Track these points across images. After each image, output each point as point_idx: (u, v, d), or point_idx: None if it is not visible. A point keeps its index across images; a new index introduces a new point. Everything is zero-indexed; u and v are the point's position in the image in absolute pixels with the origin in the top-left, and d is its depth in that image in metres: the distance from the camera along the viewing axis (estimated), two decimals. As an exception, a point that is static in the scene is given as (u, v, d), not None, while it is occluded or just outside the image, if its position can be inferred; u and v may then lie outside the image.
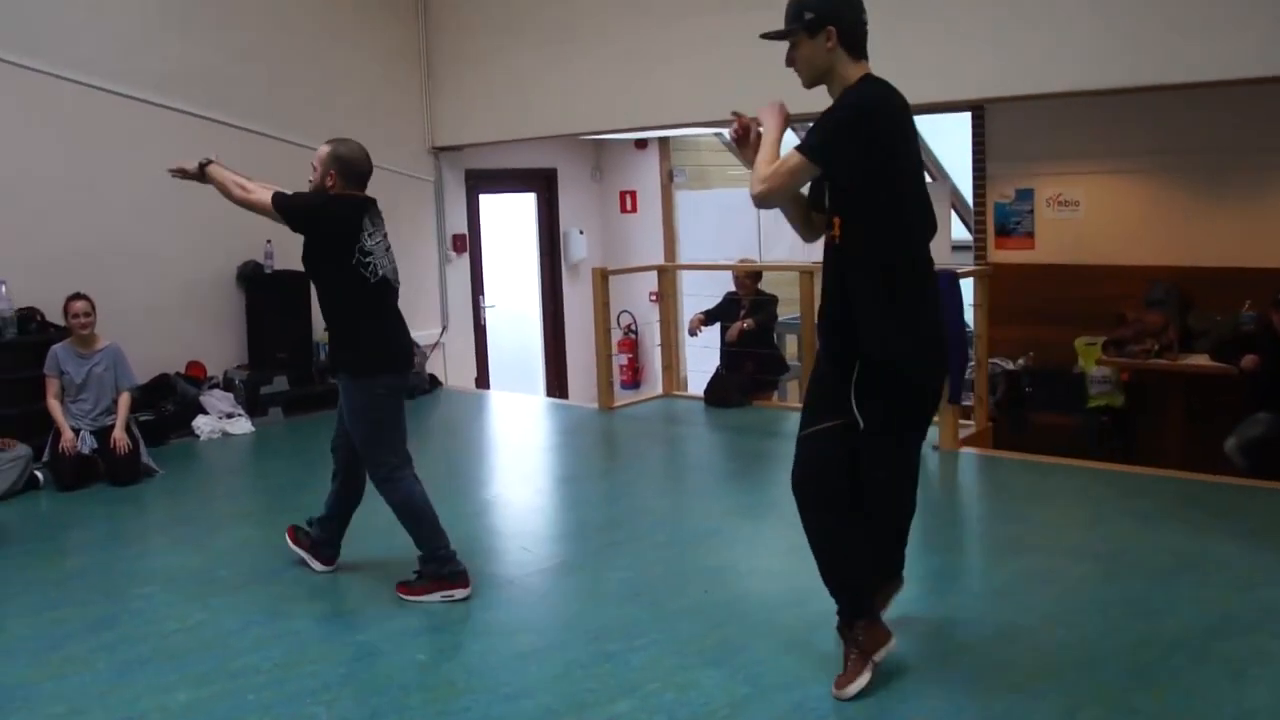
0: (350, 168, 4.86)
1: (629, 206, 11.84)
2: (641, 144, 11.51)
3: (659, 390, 9.55)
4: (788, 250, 10.43)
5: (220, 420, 8.61)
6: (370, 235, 4.82)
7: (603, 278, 8.79)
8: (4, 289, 7.63)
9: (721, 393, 8.76)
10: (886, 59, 7.64)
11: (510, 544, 5.83)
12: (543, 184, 11.74)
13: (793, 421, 8.26)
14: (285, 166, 9.26)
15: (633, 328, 11.85)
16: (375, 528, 5.66)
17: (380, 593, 4.99)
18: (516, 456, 8.07)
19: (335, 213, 4.78)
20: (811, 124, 3.50)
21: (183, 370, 8.82)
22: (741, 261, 9.23)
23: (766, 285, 9.06)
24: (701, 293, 9.96)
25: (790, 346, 9.49)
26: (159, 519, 6.65)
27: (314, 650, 4.36)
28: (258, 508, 6.83)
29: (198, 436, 8.44)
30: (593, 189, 12.05)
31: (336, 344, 4.96)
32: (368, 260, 4.78)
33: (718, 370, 9.04)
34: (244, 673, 4.19)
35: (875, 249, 3.47)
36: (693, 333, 9.20)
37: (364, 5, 9.97)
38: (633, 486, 6.88)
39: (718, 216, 11.14)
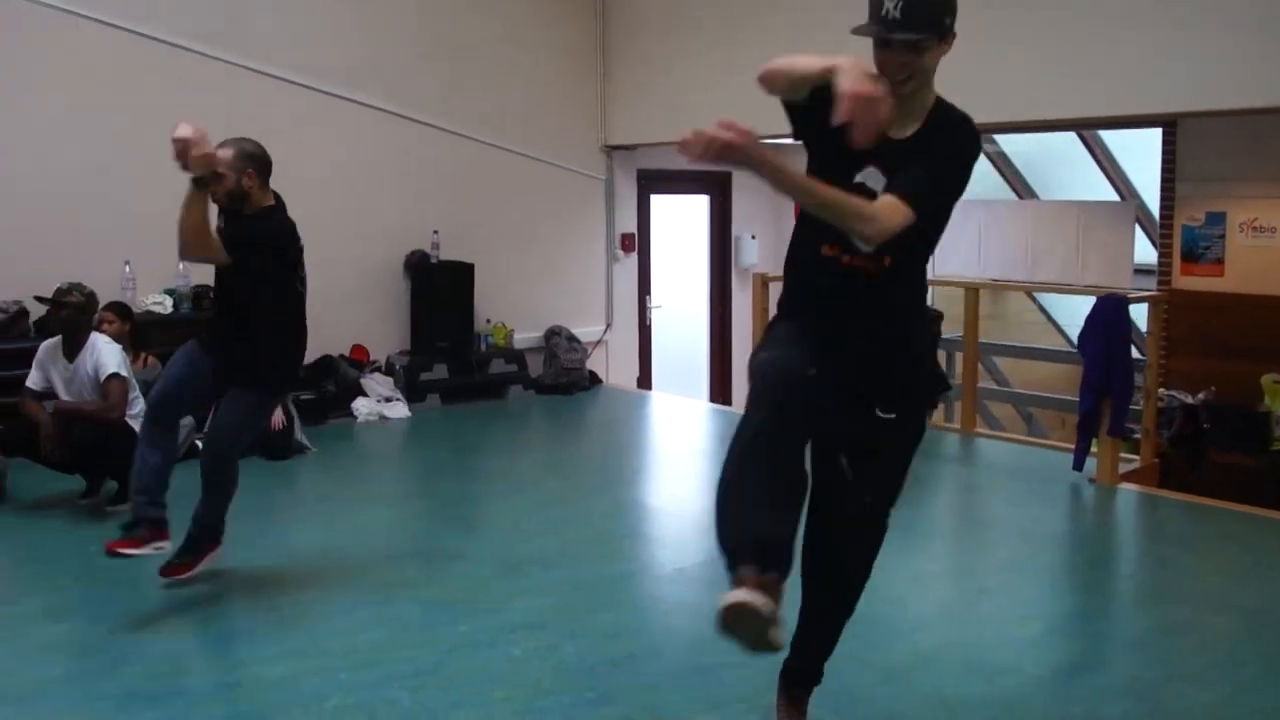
0: (266, 166, 4.77)
1: (803, 213, 11.64)
2: (818, 149, 11.30)
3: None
4: (960, 264, 10.10)
5: (379, 404, 8.81)
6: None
7: (763, 284, 8.65)
8: (182, 266, 7.95)
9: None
10: (1069, 68, 7.43)
11: (637, 547, 5.75)
12: (716, 187, 11.64)
13: (953, 442, 8.15)
14: (457, 161, 9.50)
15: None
16: (501, 526, 5.70)
17: (491, 586, 4.98)
18: (662, 458, 8.02)
19: (294, 231, 4.85)
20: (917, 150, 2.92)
21: (347, 353, 9.05)
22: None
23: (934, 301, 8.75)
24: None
25: (957, 365, 9.14)
26: (300, 495, 6.83)
27: (414, 636, 4.38)
28: (396, 491, 6.96)
29: (355, 418, 8.66)
30: (766, 194, 11.84)
31: (265, 356, 4.77)
32: (303, 275, 4.93)
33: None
34: (342, 652, 4.24)
35: (921, 277, 3.26)
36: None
37: (543, 3, 10.06)
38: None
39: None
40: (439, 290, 9.32)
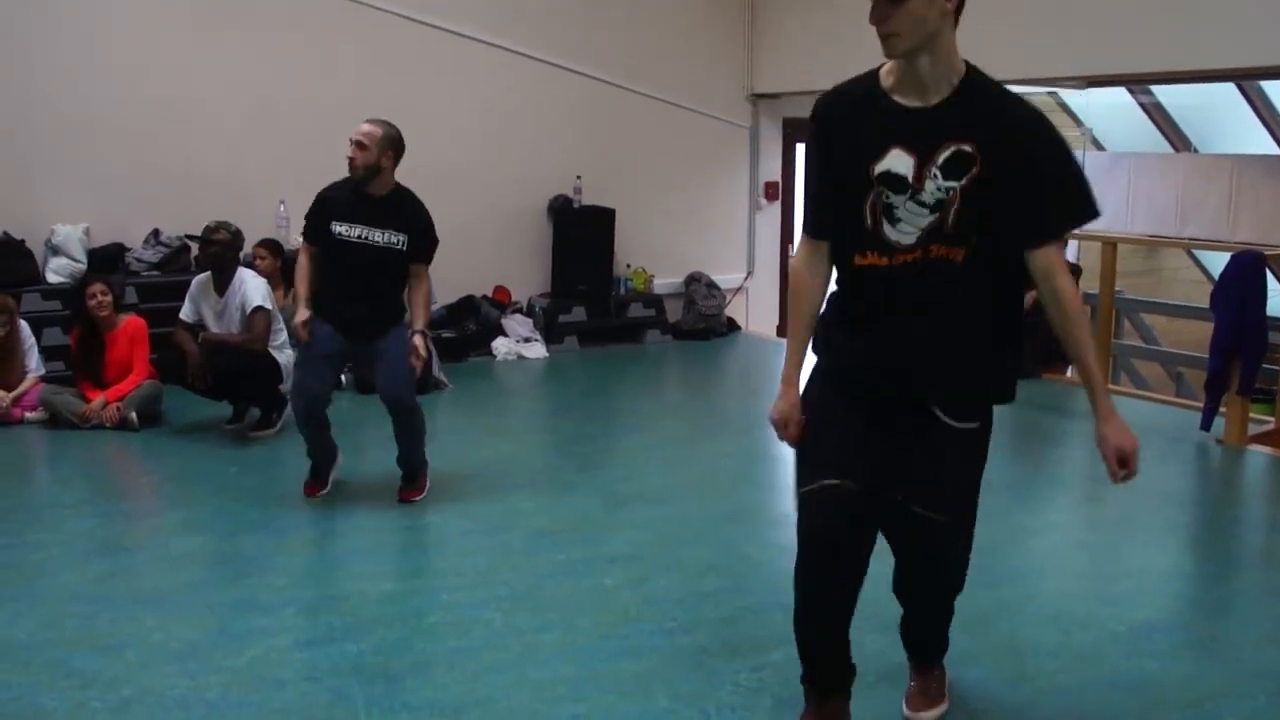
0: (402, 152, 5.18)
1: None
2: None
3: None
4: (1108, 219, 9.83)
5: (518, 344, 9.10)
6: None
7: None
8: (283, 207, 8.28)
9: (1011, 361, 8.39)
10: (1226, 14, 7.14)
11: (745, 489, 5.88)
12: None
13: (1083, 399, 7.89)
14: (601, 107, 9.67)
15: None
16: (616, 463, 5.88)
17: (596, 519, 5.19)
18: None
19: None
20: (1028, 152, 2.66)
21: (489, 294, 9.36)
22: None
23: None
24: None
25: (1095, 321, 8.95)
26: (432, 428, 7.10)
27: (516, 561, 4.63)
28: (523, 427, 7.26)
29: (494, 357, 8.97)
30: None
31: (395, 306, 5.33)
32: None
33: (1010, 338, 8.64)
34: (446, 573, 4.54)
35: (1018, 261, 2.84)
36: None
37: (692, -50, 10.10)
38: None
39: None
40: (580, 235, 9.54)
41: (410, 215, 5.16)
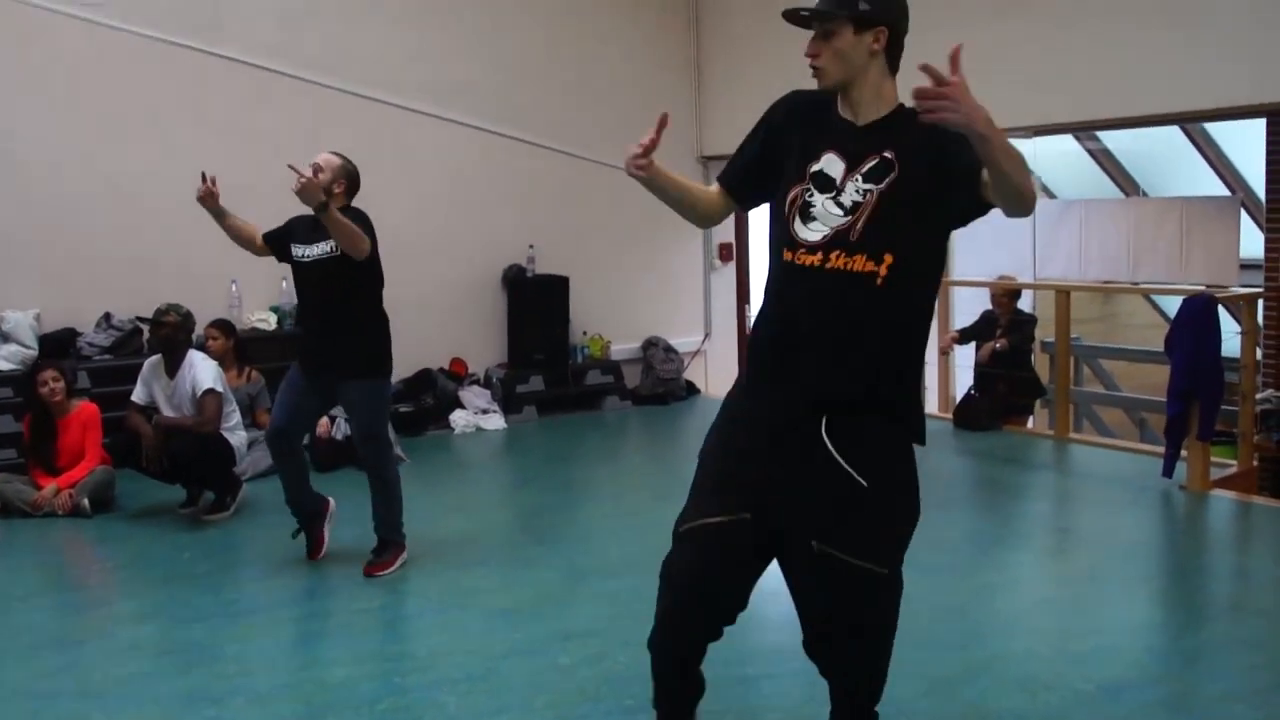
0: (356, 184, 5.37)
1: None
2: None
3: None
4: (1061, 266, 9.91)
5: (476, 415, 9.03)
6: None
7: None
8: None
9: (971, 415, 8.41)
10: (1169, 61, 7.26)
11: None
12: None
13: (1045, 449, 8.02)
14: (550, 175, 9.68)
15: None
16: (575, 536, 5.80)
17: (554, 594, 5.11)
18: None
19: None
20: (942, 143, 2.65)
21: (446, 366, 9.30)
22: (1001, 278, 8.80)
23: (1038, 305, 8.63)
24: (974, 309, 9.54)
25: (1044, 369, 8.99)
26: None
27: (471, 643, 4.52)
28: (479, 501, 7.13)
29: (453, 430, 8.89)
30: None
31: (364, 344, 5.29)
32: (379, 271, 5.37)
33: (969, 392, 8.68)
34: (400, 656, 4.43)
35: (926, 296, 2.93)
36: (944, 351, 8.90)
37: (636, 15, 10.17)
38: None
39: (993, 230, 10.62)
40: (536, 303, 9.52)
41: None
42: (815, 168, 2.87)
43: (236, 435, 6.63)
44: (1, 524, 6.52)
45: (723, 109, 10.33)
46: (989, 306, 8.72)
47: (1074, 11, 7.64)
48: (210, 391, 6.41)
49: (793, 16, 2.86)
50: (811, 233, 2.84)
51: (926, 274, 2.87)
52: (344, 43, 8.79)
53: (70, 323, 7.88)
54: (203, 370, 6.48)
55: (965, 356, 8.91)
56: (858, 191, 2.80)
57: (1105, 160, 11.00)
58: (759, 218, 11.19)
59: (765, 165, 3.03)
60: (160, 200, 8.08)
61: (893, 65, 2.87)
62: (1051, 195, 11.46)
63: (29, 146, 7.75)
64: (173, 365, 6.49)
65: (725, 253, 10.92)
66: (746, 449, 2.92)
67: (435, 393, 8.96)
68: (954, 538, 5.82)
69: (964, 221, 2.82)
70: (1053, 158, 10.91)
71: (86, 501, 6.60)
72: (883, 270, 2.76)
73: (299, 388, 5.32)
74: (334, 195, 5.11)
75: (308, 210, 5.01)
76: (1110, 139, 10.72)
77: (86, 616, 5.09)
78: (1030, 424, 8.79)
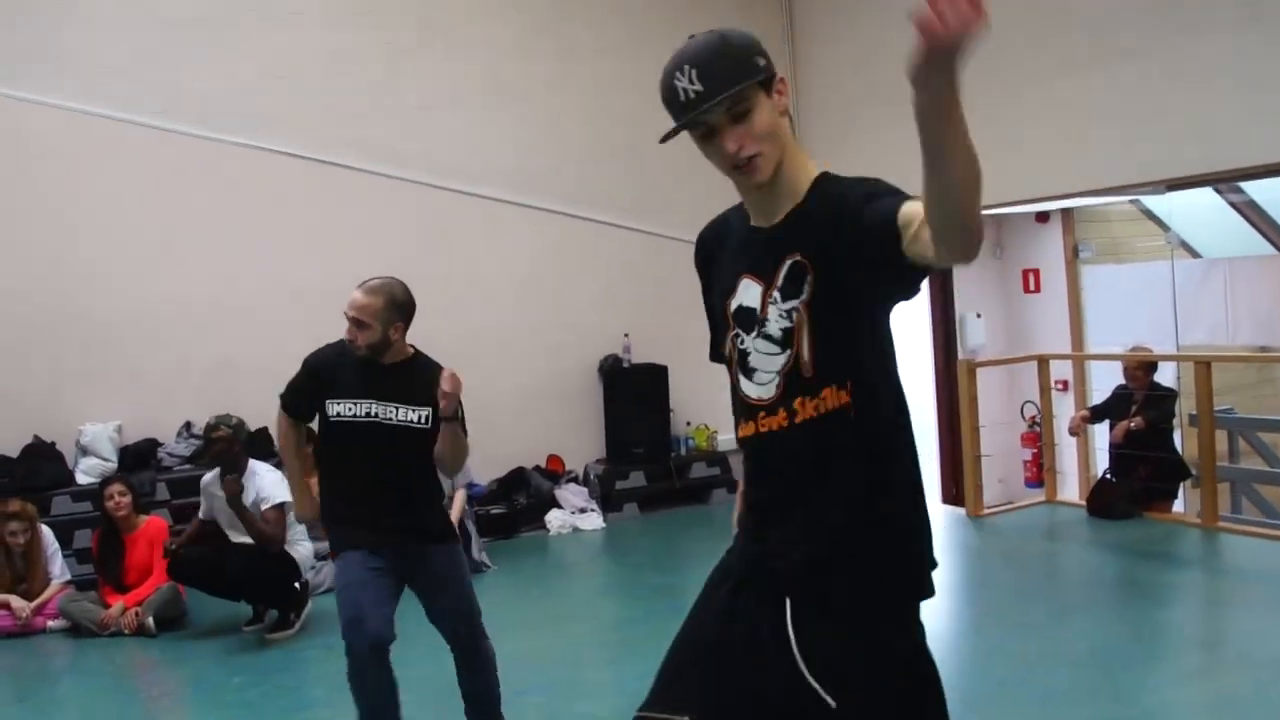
0: (411, 315, 4.12)
1: (1032, 286, 10.77)
2: (1043, 217, 10.46)
3: (1045, 495, 8.46)
4: (1207, 333, 9.05)
5: (573, 515, 8.60)
6: None
7: (969, 372, 7.99)
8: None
9: (1106, 502, 7.59)
10: (1212, 120, 6.55)
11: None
12: (935, 264, 10.94)
13: (1192, 540, 7.13)
14: (643, 259, 9.29)
15: (1037, 420, 10.72)
16: (652, 655, 5.29)
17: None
18: None
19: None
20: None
21: (543, 464, 8.91)
22: (1134, 348, 8.00)
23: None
24: (1115, 383, 8.73)
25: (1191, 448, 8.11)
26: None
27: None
28: (557, 613, 6.60)
29: (548, 531, 8.46)
30: (993, 268, 11.07)
31: (431, 507, 4.18)
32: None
33: (1103, 475, 7.87)
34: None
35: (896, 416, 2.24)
36: (1073, 432, 8.14)
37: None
38: (968, 620, 6.01)
39: (1129, 294, 9.87)
40: (634, 394, 9.07)
41: (431, 385, 3.93)
42: (734, 303, 2.26)
43: (301, 547, 6.33)
44: (71, 644, 6.40)
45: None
46: (1122, 381, 7.94)
47: (1206, 51, 6.94)
48: (275, 506, 6.12)
49: (704, 129, 2.14)
50: (761, 387, 2.22)
51: (887, 380, 2.21)
52: (425, 134, 8.60)
53: (152, 433, 7.77)
54: (267, 482, 6.21)
55: (1107, 437, 8.11)
56: (782, 314, 2.16)
57: (1250, 212, 10.09)
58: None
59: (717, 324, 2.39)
60: (240, 305, 7.97)
61: (787, 118, 2.22)
62: (1194, 254, 10.58)
63: (108, 257, 7.71)
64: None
65: (839, 332, 10.32)
66: (709, 637, 2.32)
67: (529, 492, 8.57)
68: (1078, 653, 5.07)
69: (889, 299, 2.13)
70: (1191, 213, 10.09)
71: (151, 620, 6.40)
72: (845, 398, 2.15)
73: (370, 568, 3.96)
74: (391, 343, 4.02)
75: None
76: (1255, 189, 9.83)
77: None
78: (1182, 507, 7.92)
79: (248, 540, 6.15)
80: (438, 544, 4.11)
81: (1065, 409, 8.99)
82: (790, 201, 2.19)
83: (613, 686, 5.10)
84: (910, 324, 10.99)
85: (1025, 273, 10.83)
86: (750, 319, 2.22)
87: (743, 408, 2.26)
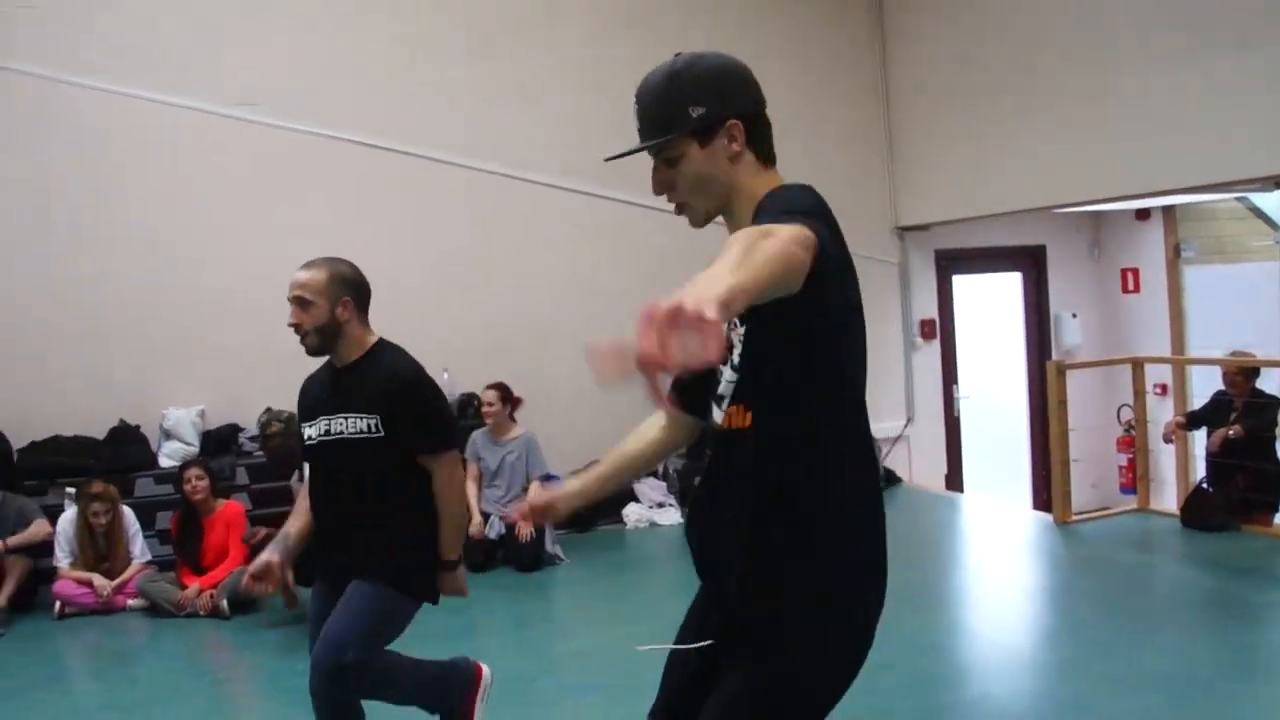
0: (365, 295, 3.67)
1: (1130, 286, 10.41)
2: (1143, 214, 10.10)
3: (1136, 504, 8.16)
4: (1313, 345, 8.64)
5: (650, 510, 8.51)
6: None
7: (1059, 373, 7.72)
8: (446, 376, 8.03)
9: (1202, 513, 7.27)
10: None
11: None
12: (1030, 262, 10.66)
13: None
14: (717, 246, 9.14)
15: (1133, 424, 10.36)
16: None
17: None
18: (921, 571, 6.95)
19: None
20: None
21: (621, 456, 8.83)
22: (1234, 353, 7.67)
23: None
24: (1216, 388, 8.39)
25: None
26: (530, 611, 6.62)
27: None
28: (624, 611, 6.49)
29: (625, 525, 8.39)
30: (1089, 267, 10.74)
31: (382, 536, 3.52)
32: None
33: (1199, 485, 7.56)
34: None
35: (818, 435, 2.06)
36: (1167, 439, 7.84)
37: (826, 86, 9.59)
38: (1045, 631, 5.81)
39: (1233, 296, 9.48)
40: (715, 388, 8.94)
41: (384, 383, 3.51)
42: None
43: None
44: (148, 623, 6.53)
45: (919, 175, 9.63)
46: (1222, 387, 7.62)
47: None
48: None
49: (616, 158, 2.19)
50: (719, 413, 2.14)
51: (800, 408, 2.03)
52: (506, 126, 8.61)
53: (234, 419, 7.85)
54: None
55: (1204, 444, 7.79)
56: (738, 340, 2.07)
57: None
58: (964, 289, 10.39)
59: None
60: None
61: (764, 153, 2.13)
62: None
63: (192, 244, 7.82)
64: (288, 475, 6.24)
65: (927, 330, 10.10)
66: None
67: (606, 485, 8.49)
68: (1161, 675, 4.78)
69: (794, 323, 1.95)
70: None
71: (225, 603, 6.48)
72: (746, 420, 2.05)
73: (319, 605, 3.64)
74: (341, 325, 3.55)
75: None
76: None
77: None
78: (1275, 523, 7.56)
79: None
80: (360, 578, 3.48)
81: (1163, 414, 8.67)
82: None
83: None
84: (1003, 322, 10.74)
85: (1124, 272, 10.48)
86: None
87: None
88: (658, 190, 2.14)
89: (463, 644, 5.47)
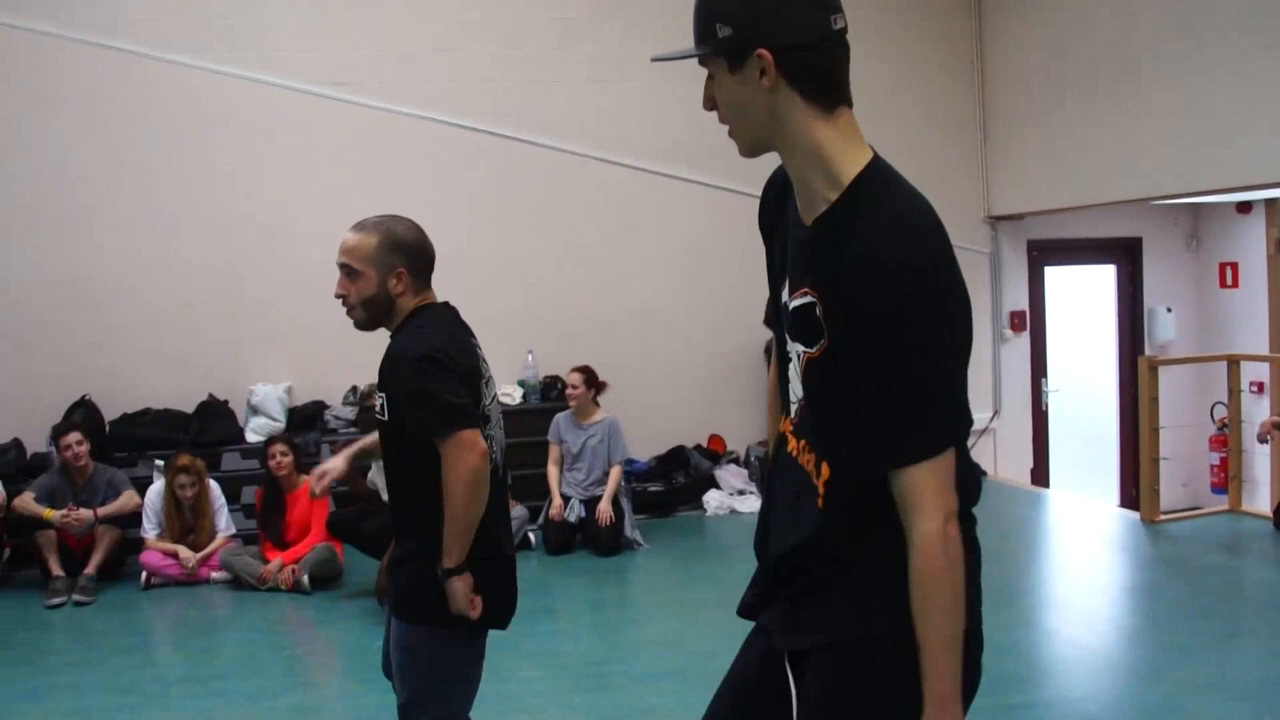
0: (423, 256, 3.10)
1: (1229, 281, 10.12)
2: (1244, 207, 9.79)
3: (1228, 504, 7.94)
4: None
5: (731, 497, 8.47)
6: (488, 379, 3.11)
7: (1150, 369, 7.54)
8: (531, 358, 8.08)
9: (1295, 515, 7.09)
10: None
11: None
12: (1124, 254, 10.39)
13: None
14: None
15: (1227, 423, 10.08)
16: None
17: None
18: (1003, 567, 6.67)
19: (455, 373, 2.93)
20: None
21: (704, 443, 8.81)
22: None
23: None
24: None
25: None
26: (608, 595, 6.61)
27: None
28: (702, 597, 6.41)
29: (705, 511, 8.36)
30: (1186, 260, 10.45)
31: (409, 520, 2.99)
32: (486, 431, 2.95)
33: (1295, 486, 7.36)
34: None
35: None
36: (1261, 439, 7.61)
37: (920, 72, 9.44)
38: (1125, 633, 5.67)
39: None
40: (798, 377, 8.88)
41: (388, 358, 2.99)
42: (784, 296, 1.94)
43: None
44: (231, 595, 6.64)
45: (1013, 164, 9.44)
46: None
47: None
48: None
49: (662, 59, 2.02)
50: (793, 395, 1.97)
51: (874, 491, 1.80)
52: (593, 108, 8.59)
53: (320, 396, 7.97)
54: None
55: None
56: (792, 352, 1.91)
57: None
58: (1056, 281, 10.18)
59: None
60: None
61: (817, 96, 1.81)
62: None
63: (282, 223, 7.94)
64: None
65: (1017, 321, 9.91)
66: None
67: (688, 471, 8.48)
68: (1244, 684, 4.66)
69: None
70: None
71: (306, 579, 6.56)
72: (820, 485, 1.87)
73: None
74: (393, 300, 3.01)
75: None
76: None
77: (252, 710, 4.85)
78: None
79: None
80: (394, 614, 2.99)
81: (1259, 413, 8.43)
82: (823, 198, 1.84)
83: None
84: (1095, 315, 10.52)
85: (1222, 266, 10.18)
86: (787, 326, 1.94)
87: (784, 401, 2.02)
88: (705, 105, 1.92)
89: (540, 625, 5.51)
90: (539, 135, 8.42)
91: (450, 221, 8.13)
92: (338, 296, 3.04)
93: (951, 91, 9.58)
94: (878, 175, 1.83)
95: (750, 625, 2.11)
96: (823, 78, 1.81)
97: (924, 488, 1.72)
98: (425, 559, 2.83)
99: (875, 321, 1.71)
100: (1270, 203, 9.61)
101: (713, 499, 8.45)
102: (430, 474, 2.83)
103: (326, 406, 7.97)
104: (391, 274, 2.97)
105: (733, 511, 8.35)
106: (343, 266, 3.01)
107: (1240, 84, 7.21)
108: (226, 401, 7.79)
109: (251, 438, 7.66)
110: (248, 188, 7.90)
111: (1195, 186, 8.12)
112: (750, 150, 1.92)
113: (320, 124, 8.02)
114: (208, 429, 7.63)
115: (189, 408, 7.73)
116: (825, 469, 1.86)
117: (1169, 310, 10.30)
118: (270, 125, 7.94)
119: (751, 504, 8.40)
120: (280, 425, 7.68)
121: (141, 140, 7.77)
